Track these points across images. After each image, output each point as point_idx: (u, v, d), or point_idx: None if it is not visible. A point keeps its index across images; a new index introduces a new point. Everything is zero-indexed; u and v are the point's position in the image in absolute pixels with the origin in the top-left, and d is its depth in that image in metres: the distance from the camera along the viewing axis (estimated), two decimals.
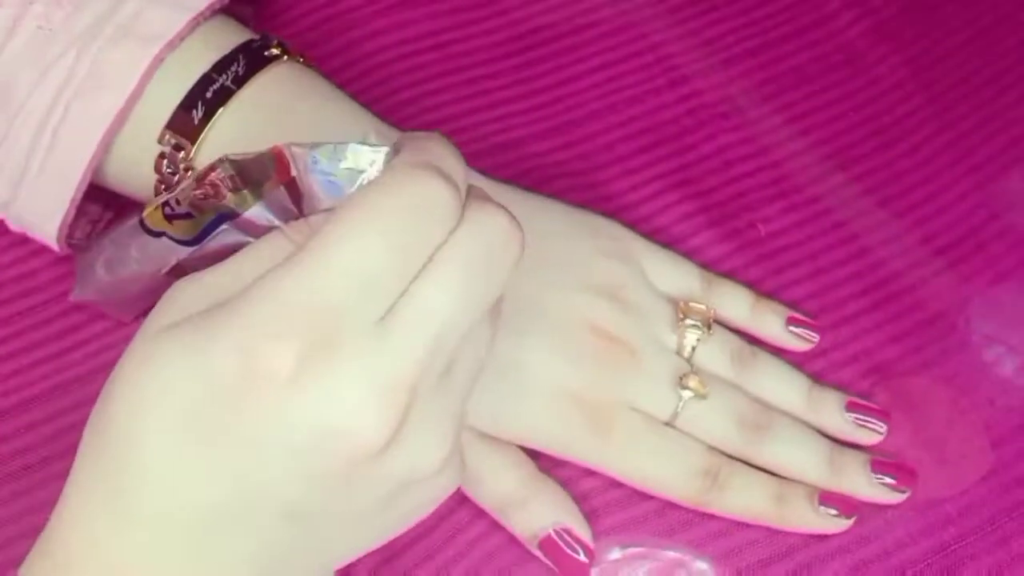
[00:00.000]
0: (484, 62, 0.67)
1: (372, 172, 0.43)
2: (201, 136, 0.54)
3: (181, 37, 0.54)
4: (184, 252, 0.50)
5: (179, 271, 0.51)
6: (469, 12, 0.68)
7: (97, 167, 0.55)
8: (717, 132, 0.66)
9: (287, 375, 0.38)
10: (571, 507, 0.55)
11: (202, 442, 0.39)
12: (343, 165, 0.43)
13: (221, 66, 0.55)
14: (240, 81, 0.55)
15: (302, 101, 0.56)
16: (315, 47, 0.66)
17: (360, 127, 0.57)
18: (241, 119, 0.55)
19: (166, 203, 0.48)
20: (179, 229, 0.49)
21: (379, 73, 0.67)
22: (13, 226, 0.57)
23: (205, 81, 0.54)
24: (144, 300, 0.54)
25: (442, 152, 0.42)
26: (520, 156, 0.65)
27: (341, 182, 0.43)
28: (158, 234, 0.49)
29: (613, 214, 0.61)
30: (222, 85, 0.54)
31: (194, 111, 0.54)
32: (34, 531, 0.50)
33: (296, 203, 0.45)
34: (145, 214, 0.49)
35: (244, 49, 0.56)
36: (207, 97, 0.54)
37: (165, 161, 0.54)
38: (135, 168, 0.55)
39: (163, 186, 0.55)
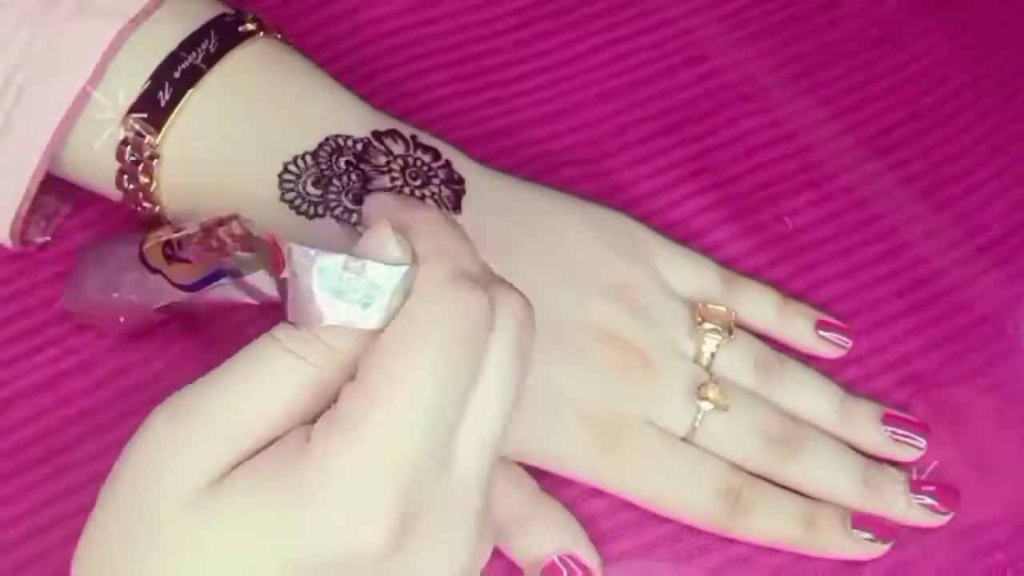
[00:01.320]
0: (482, 37, 0.66)
1: (391, 293, 0.41)
2: (168, 121, 0.52)
3: (147, 12, 0.52)
4: (179, 296, 0.49)
5: (171, 310, 0.51)
6: None
7: (53, 156, 0.53)
8: (739, 116, 0.64)
9: (384, 551, 0.39)
10: (577, 531, 0.53)
11: None
12: (357, 281, 0.41)
13: (190, 43, 0.53)
14: (212, 60, 0.53)
15: (280, 82, 0.55)
16: (293, 21, 0.64)
17: (343, 111, 0.56)
18: (213, 102, 0.53)
19: (168, 242, 0.48)
20: (176, 273, 0.49)
21: (365, 51, 0.65)
22: None
23: (173, 60, 0.52)
24: (128, 325, 0.55)
25: (455, 242, 0.43)
26: (521, 142, 0.63)
27: (351, 298, 0.41)
28: (155, 270, 0.49)
29: (624, 207, 0.59)
30: (191, 64, 0.53)
31: (160, 92, 0.52)
32: (39, 531, 0.53)
33: (281, 299, 0.44)
34: (146, 247, 0.49)
35: (216, 24, 0.54)
36: (175, 77, 0.52)
37: (128, 148, 0.52)
38: (94, 156, 0.53)
39: (124, 176, 0.53)
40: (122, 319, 0.53)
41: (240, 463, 0.40)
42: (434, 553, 0.40)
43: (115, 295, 0.51)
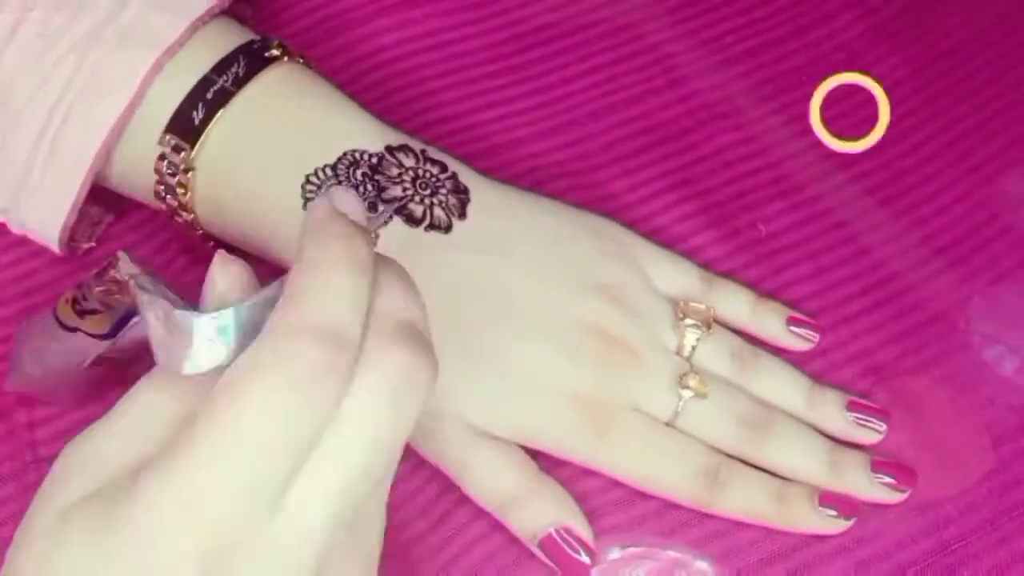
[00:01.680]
0: (484, 62, 0.67)
1: (205, 343, 0.38)
2: (201, 137, 0.54)
3: (181, 43, 0.54)
4: (102, 347, 0.50)
5: (101, 364, 0.52)
6: (469, 12, 0.68)
7: (98, 171, 0.55)
8: (717, 132, 0.65)
9: None
10: (572, 506, 0.54)
11: None
12: (179, 331, 0.38)
13: (221, 67, 0.55)
14: (240, 82, 0.55)
15: (302, 101, 0.57)
16: (314, 47, 0.66)
17: (360, 128, 0.57)
18: (241, 120, 0.55)
19: (75, 299, 0.49)
20: (92, 324, 0.49)
21: (378, 73, 0.67)
22: (14, 229, 0.58)
23: (205, 83, 0.55)
24: (80, 389, 0.56)
25: (328, 288, 0.38)
26: (520, 156, 0.65)
27: (173, 345, 0.39)
28: (72, 329, 0.49)
29: (613, 214, 0.61)
30: (222, 86, 0.55)
31: (194, 112, 0.54)
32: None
33: None
34: (58, 309, 0.49)
35: (244, 50, 0.56)
36: (207, 98, 0.54)
37: (165, 162, 0.55)
38: (136, 170, 0.56)
39: (162, 187, 0.55)
40: (65, 381, 0.53)
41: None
42: None
43: (47, 365, 0.52)
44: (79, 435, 0.40)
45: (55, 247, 0.57)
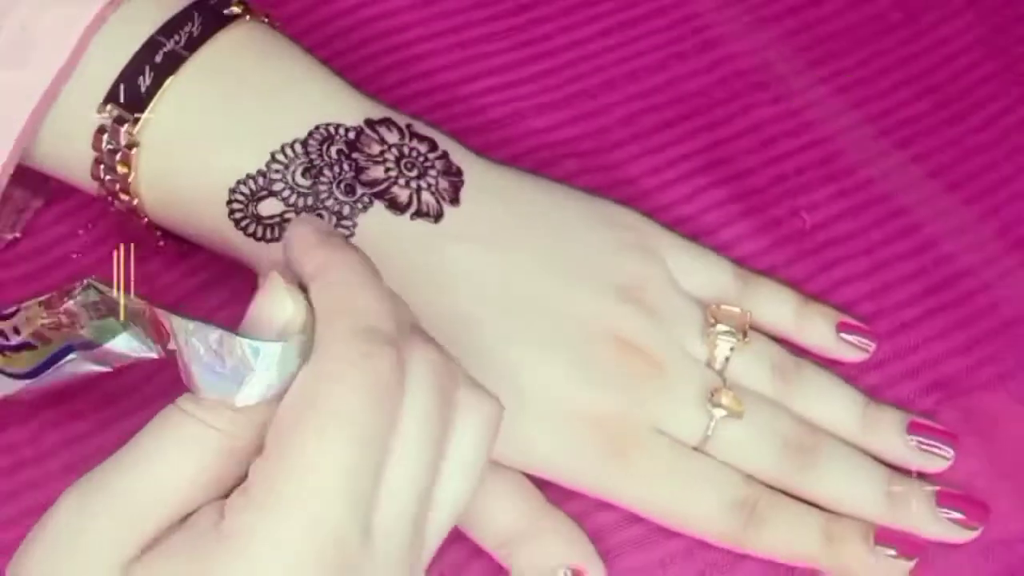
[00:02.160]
0: (479, 21, 0.65)
1: (266, 370, 0.40)
2: (148, 108, 0.52)
3: None
4: (17, 386, 0.49)
5: (8, 404, 0.50)
6: None
7: (26, 148, 0.53)
8: (753, 104, 0.63)
9: None
10: (584, 544, 0.52)
11: None
12: (232, 361, 0.40)
13: (172, 26, 0.53)
14: (194, 44, 0.53)
15: (267, 67, 0.54)
16: (281, 5, 0.64)
17: (334, 98, 0.55)
18: (195, 89, 0.52)
19: None
20: (14, 362, 0.48)
21: (356, 35, 0.64)
22: None
23: (152, 45, 0.52)
24: None
25: (364, 294, 0.41)
26: (522, 132, 0.62)
27: (225, 375, 0.40)
28: None
29: (631, 201, 0.59)
30: (173, 49, 0.52)
31: (140, 78, 0.52)
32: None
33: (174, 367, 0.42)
34: None
35: (199, 6, 0.54)
36: (155, 62, 0.52)
37: (105, 136, 0.52)
38: (69, 146, 0.53)
39: (101, 166, 0.53)
40: None
41: (153, 541, 0.39)
42: None
43: None
44: (90, 480, 0.40)
45: None
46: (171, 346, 0.40)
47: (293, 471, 0.38)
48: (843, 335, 0.56)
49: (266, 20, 0.56)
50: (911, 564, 0.51)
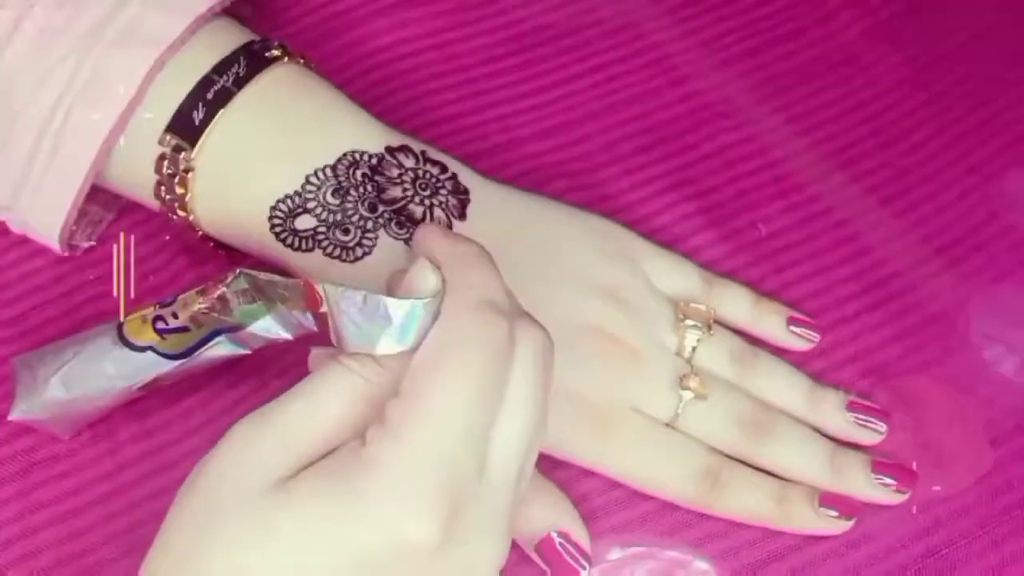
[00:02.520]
0: (484, 62, 0.67)
1: (403, 323, 0.44)
2: (202, 137, 0.54)
3: (183, 41, 0.54)
4: (169, 366, 0.51)
5: (154, 384, 0.53)
6: (469, 12, 0.68)
7: (98, 171, 0.55)
8: (717, 132, 0.65)
9: (434, 544, 0.41)
10: (571, 511, 0.54)
11: None
12: (375, 316, 0.44)
13: (222, 67, 0.55)
14: (241, 82, 0.55)
15: (303, 102, 0.57)
16: (314, 47, 0.66)
17: (360, 128, 0.57)
18: (242, 120, 0.55)
19: (159, 317, 0.49)
20: (170, 343, 0.51)
21: (378, 73, 0.67)
22: (15, 228, 0.58)
23: (206, 83, 0.54)
24: (95, 416, 0.55)
25: (485, 274, 0.45)
26: (520, 156, 0.65)
27: (369, 329, 0.44)
28: (142, 348, 0.50)
29: (613, 214, 0.61)
30: (223, 86, 0.54)
31: (195, 112, 0.54)
32: (33, 530, 0.54)
33: (322, 330, 0.46)
34: (126, 328, 0.50)
35: (245, 50, 0.56)
36: (208, 98, 0.54)
37: (166, 162, 0.55)
38: (136, 170, 0.55)
39: (162, 188, 0.55)
40: (91, 407, 0.53)
41: (303, 469, 0.42)
42: (474, 548, 0.42)
43: (87, 386, 0.52)
44: (258, 414, 0.43)
45: (56, 246, 0.57)
46: (322, 309, 0.44)
47: (425, 409, 0.41)
48: (792, 328, 0.58)
49: (302, 61, 0.58)
50: (850, 523, 0.54)
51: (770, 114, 0.66)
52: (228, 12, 0.58)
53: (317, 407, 0.43)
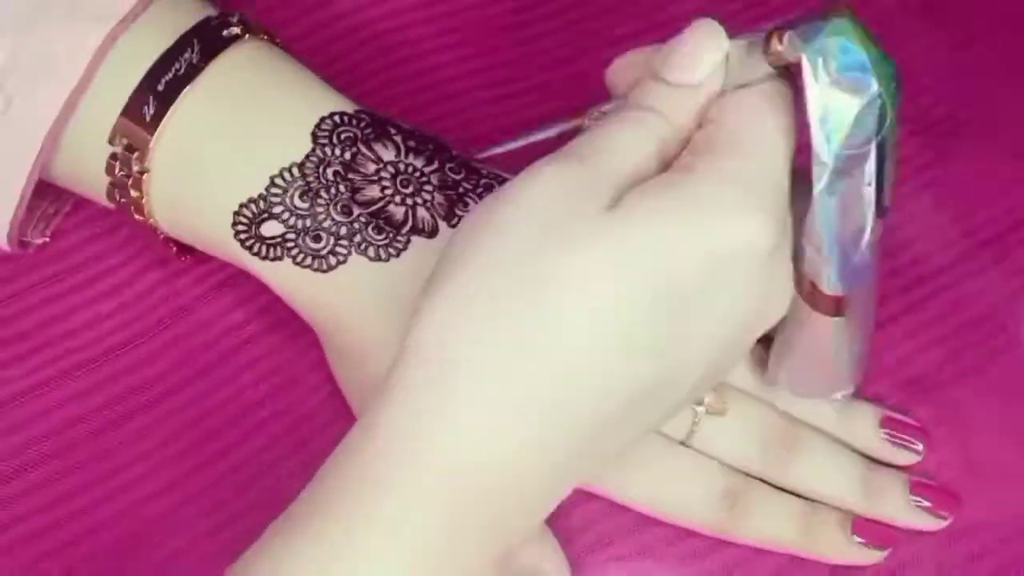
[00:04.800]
0: (481, 36, 0.64)
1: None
2: (153, 137, 0.51)
3: (135, 15, 0.51)
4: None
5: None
6: None
7: (45, 164, 0.52)
8: None
9: (771, 247, 0.42)
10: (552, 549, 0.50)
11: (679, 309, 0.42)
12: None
13: (173, 54, 0.51)
14: (193, 72, 0.51)
15: (265, 88, 0.53)
16: (290, 24, 0.63)
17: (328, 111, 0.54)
18: (197, 115, 0.51)
19: None
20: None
21: (362, 51, 0.63)
22: None
23: (155, 73, 0.51)
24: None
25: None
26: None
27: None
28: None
29: None
30: (175, 75, 0.51)
31: (145, 108, 0.51)
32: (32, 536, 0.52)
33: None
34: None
35: (199, 32, 0.52)
36: (158, 91, 0.51)
37: (117, 163, 0.51)
38: (85, 167, 0.53)
39: (116, 190, 0.52)
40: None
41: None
42: (788, 265, 0.45)
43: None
44: (558, 155, 0.43)
45: (4, 244, 0.54)
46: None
47: (752, 130, 0.43)
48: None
49: (265, 37, 0.54)
50: (884, 553, 0.51)
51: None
52: None
53: (621, 142, 0.44)
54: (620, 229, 0.41)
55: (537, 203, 0.41)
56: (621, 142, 0.43)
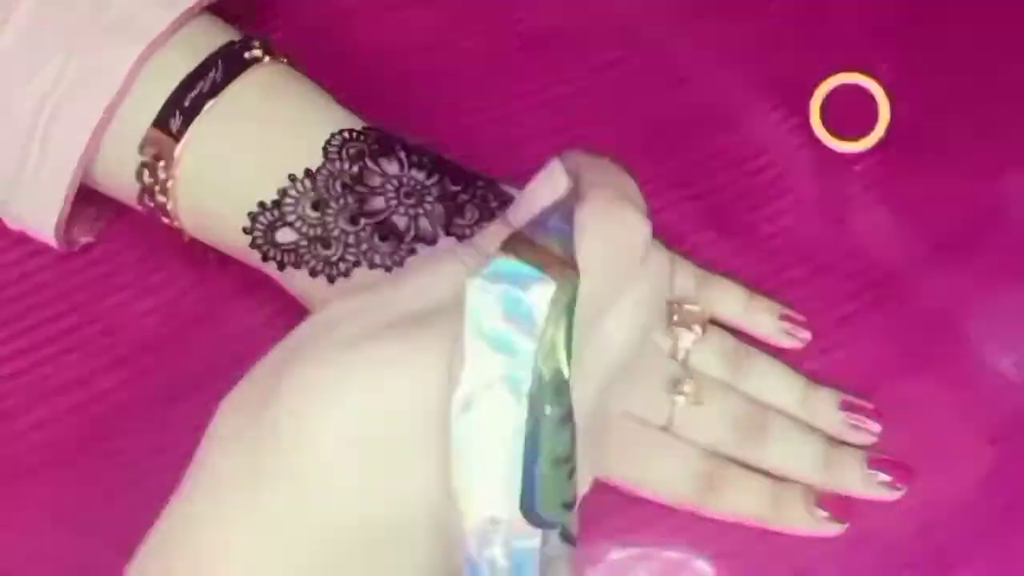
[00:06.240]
0: (482, 62, 0.65)
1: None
2: (179, 147, 0.52)
3: (167, 36, 0.52)
4: None
5: None
6: (467, 12, 0.66)
7: (87, 169, 0.53)
8: (716, 133, 0.64)
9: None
10: None
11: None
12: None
13: (200, 72, 0.53)
14: (217, 88, 0.52)
15: (282, 106, 0.54)
16: (308, 48, 0.61)
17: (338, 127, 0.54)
18: (218, 129, 0.52)
19: None
20: None
21: (374, 74, 0.64)
22: (12, 225, 0.56)
23: (183, 89, 0.52)
24: None
25: (625, 183, 0.44)
26: (520, 157, 0.57)
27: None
28: None
29: None
30: (199, 92, 0.52)
31: (172, 121, 0.52)
32: (32, 532, 0.53)
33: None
34: None
35: (223, 54, 0.53)
36: (185, 106, 0.52)
37: (147, 171, 0.53)
38: (120, 173, 0.54)
39: (145, 195, 0.53)
40: None
41: None
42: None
43: None
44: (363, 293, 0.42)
45: (53, 243, 0.55)
46: None
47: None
48: (783, 325, 0.57)
49: (285, 61, 0.55)
50: (843, 527, 0.52)
51: (769, 112, 0.64)
52: (220, 9, 0.55)
53: (413, 286, 0.41)
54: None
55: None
56: (406, 291, 0.41)
